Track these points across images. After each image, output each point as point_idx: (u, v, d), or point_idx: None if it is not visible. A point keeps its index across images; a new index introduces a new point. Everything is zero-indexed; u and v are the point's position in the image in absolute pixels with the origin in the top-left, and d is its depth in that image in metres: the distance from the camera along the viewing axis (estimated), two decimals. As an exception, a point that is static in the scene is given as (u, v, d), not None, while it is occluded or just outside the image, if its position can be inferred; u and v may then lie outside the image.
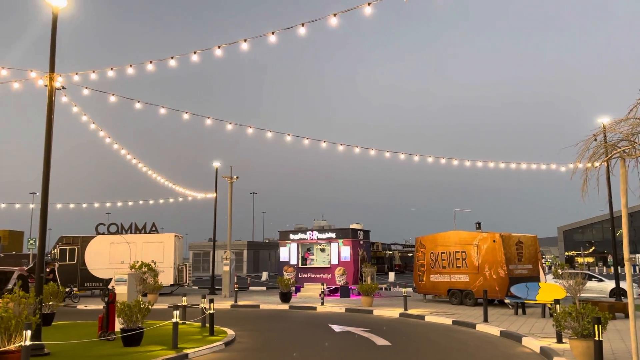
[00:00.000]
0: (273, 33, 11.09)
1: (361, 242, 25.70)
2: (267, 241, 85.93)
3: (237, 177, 29.26)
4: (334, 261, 24.85)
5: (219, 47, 11.43)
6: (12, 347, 8.17)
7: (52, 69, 11.68)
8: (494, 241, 19.28)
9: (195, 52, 11.64)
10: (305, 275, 25.64)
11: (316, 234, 25.95)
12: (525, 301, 16.88)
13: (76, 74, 12.74)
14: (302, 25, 11.08)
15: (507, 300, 18.21)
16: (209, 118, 16.14)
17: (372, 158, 20.27)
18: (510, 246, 19.35)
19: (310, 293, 24.68)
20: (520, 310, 17.00)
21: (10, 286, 21.37)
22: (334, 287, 24.68)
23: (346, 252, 24.66)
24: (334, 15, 10.96)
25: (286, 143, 18.45)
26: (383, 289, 27.99)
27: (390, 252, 65.37)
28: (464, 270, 20.22)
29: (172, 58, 11.63)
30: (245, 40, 11.28)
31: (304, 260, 26.43)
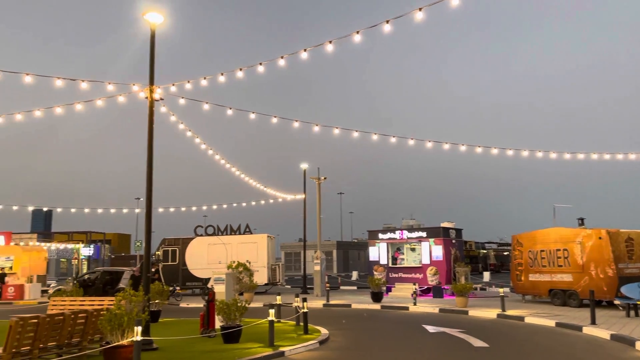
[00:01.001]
0: (358, 32, 11.10)
1: (453, 241, 25.00)
2: (355, 241, 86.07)
3: (325, 178, 29.59)
4: (425, 261, 24.37)
5: (305, 50, 11.63)
6: (125, 341, 8.80)
7: (151, 82, 12.46)
8: (600, 238, 17.97)
9: (282, 57, 11.93)
10: (396, 275, 25.37)
11: (406, 233, 25.60)
12: (638, 302, 15.57)
13: (173, 84, 13.51)
14: (387, 22, 10.97)
15: (616, 302, 16.90)
16: (296, 121, 16.46)
17: (462, 154, 19.63)
18: (618, 243, 17.94)
19: (401, 293, 24.39)
20: (632, 312, 15.71)
21: (121, 285, 23.07)
22: (426, 287, 24.21)
23: (438, 252, 24.10)
24: (419, 10, 10.75)
25: (372, 142, 18.36)
26: (478, 289, 27.04)
27: (485, 251, 63.07)
28: (566, 270, 19.03)
29: (260, 64, 12.00)
30: (330, 42, 11.38)
31: (394, 259, 26.17)
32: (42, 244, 43.96)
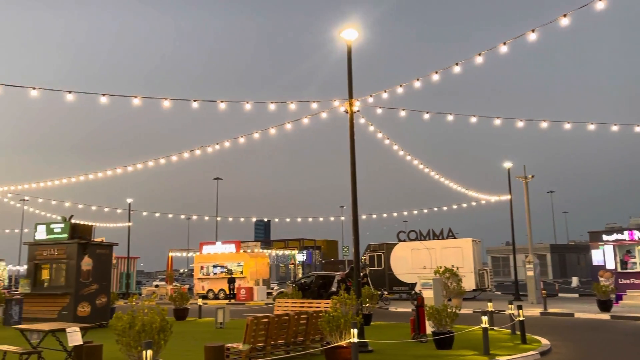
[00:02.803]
0: (565, 16, 10.14)
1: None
2: (572, 243, 78.05)
3: (532, 176, 27.50)
4: (665, 264, 20.94)
5: (504, 44, 11.04)
6: (343, 342, 9.33)
7: (350, 96, 13.10)
8: None
9: (479, 54, 11.50)
10: (627, 281, 22.29)
11: (637, 234, 22.38)
12: None
13: (370, 96, 14.00)
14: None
15: None
16: (497, 118, 15.67)
17: None
18: None
19: (635, 302, 21.33)
20: None
21: (333, 289, 24.55)
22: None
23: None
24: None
25: (586, 133, 16.49)
26: None
27: None
28: None
29: (456, 65, 11.75)
30: (533, 31, 10.61)
31: (624, 263, 23.03)
32: (264, 250, 49.15)
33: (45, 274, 18.08)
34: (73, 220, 18.42)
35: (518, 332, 12.64)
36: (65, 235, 17.78)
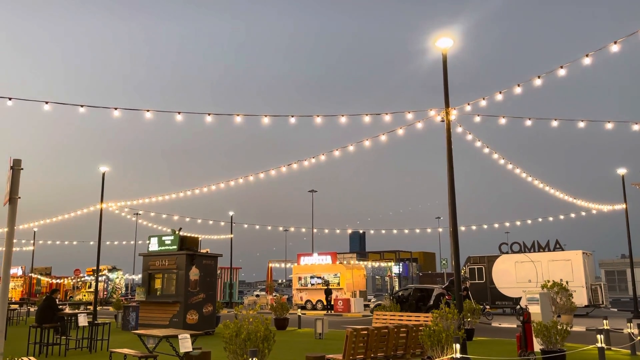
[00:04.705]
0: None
1: None
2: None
3: (651, 183, 25.22)
4: None
5: (615, 42, 10.29)
6: (445, 358, 9.09)
7: (447, 105, 12.85)
8: None
9: (587, 56, 10.81)
10: None
11: None
12: None
13: (468, 104, 13.65)
14: None
15: None
16: (609, 122, 14.60)
17: None
18: None
19: None
20: None
21: (431, 302, 23.99)
22: None
23: None
24: None
25: None
26: None
27: None
28: None
29: (561, 67, 11.12)
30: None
31: None
32: (360, 262, 49.21)
33: (158, 283, 19.39)
34: (182, 233, 19.63)
35: (639, 353, 11.60)
36: (175, 247, 18.98)
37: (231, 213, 41.40)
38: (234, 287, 41.47)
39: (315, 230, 50.73)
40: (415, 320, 12.73)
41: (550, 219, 33.25)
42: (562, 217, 32.26)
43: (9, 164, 5.54)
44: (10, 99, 11.73)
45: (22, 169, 5.51)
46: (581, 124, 14.61)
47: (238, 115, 13.65)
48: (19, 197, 5.42)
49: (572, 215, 31.68)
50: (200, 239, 25.68)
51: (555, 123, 14.89)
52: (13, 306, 25.72)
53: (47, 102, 12.47)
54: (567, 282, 20.70)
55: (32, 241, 41.32)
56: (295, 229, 49.83)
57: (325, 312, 32.56)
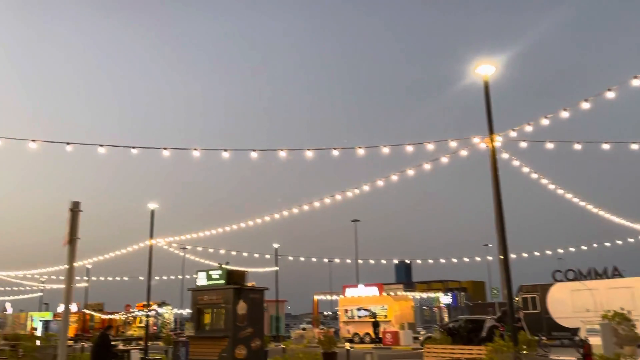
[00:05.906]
0: None
1: None
2: None
3: None
4: None
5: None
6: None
7: (491, 131, 12.71)
8: None
9: (636, 77, 10.51)
10: None
11: None
12: None
13: (513, 130, 13.44)
14: None
15: None
16: (663, 142, 14.03)
17: None
18: None
19: None
20: None
21: (484, 334, 23.19)
22: None
23: None
24: None
25: None
26: None
27: None
28: None
29: (609, 90, 10.85)
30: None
31: None
32: (407, 293, 48.25)
33: (207, 318, 19.54)
34: (229, 267, 19.85)
35: None
36: (223, 281, 19.17)
37: (276, 245, 41.63)
38: (281, 320, 41.33)
39: (361, 261, 50.28)
40: (469, 354, 12.35)
41: (607, 244, 31.78)
42: (619, 242, 30.80)
43: (68, 206, 5.82)
44: (68, 143, 12.39)
45: (81, 210, 5.77)
46: (634, 146, 14.11)
47: (282, 150, 13.90)
48: (79, 238, 5.67)
49: (630, 240, 30.22)
50: (246, 272, 25.87)
51: (606, 146, 14.44)
52: (68, 342, 26.48)
53: (102, 145, 13.09)
54: (628, 311, 19.64)
55: (85, 278, 42.61)
56: (341, 260, 49.52)
57: (373, 345, 31.94)
